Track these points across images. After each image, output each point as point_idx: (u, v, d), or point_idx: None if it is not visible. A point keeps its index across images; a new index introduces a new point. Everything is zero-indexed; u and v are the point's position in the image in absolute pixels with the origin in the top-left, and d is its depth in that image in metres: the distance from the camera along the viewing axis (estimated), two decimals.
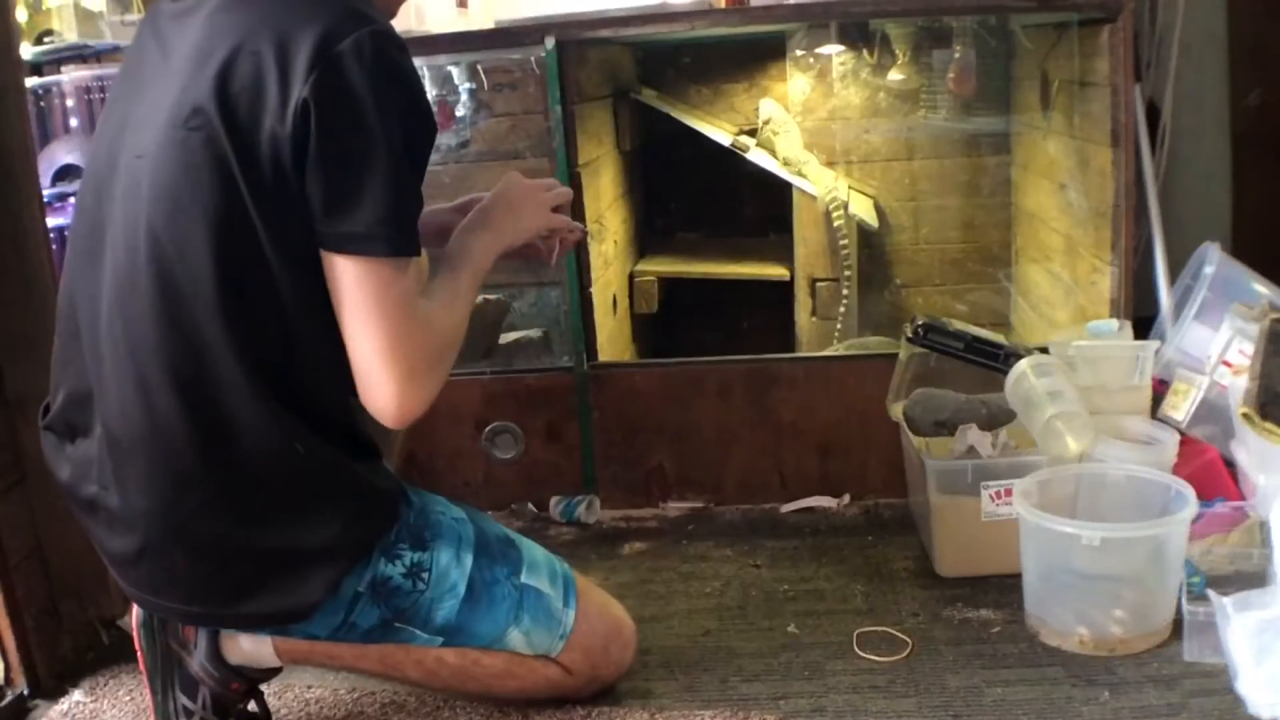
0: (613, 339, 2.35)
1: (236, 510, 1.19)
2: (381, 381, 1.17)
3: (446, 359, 1.25)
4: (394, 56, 1.15)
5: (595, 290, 2.15)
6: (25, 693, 1.57)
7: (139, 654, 1.35)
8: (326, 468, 1.22)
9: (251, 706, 1.40)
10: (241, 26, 1.14)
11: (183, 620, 1.30)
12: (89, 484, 1.24)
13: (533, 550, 1.41)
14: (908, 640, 1.58)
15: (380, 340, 1.16)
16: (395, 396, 1.17)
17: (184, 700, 1.32)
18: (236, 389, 1.16)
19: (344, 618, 1.27)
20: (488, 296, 2.46)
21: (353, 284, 1.16)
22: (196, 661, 1.32)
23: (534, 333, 2.50)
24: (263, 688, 1.42)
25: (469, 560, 1.31)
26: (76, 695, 1.58)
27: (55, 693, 1.58)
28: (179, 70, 1.16)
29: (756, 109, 2.74)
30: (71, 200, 2.00)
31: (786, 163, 2.65)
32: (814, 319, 2.67)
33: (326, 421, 1.22)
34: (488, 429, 2.13)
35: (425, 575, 1.28)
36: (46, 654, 1.59)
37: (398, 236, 1.16)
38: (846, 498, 2.08)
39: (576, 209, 2.06)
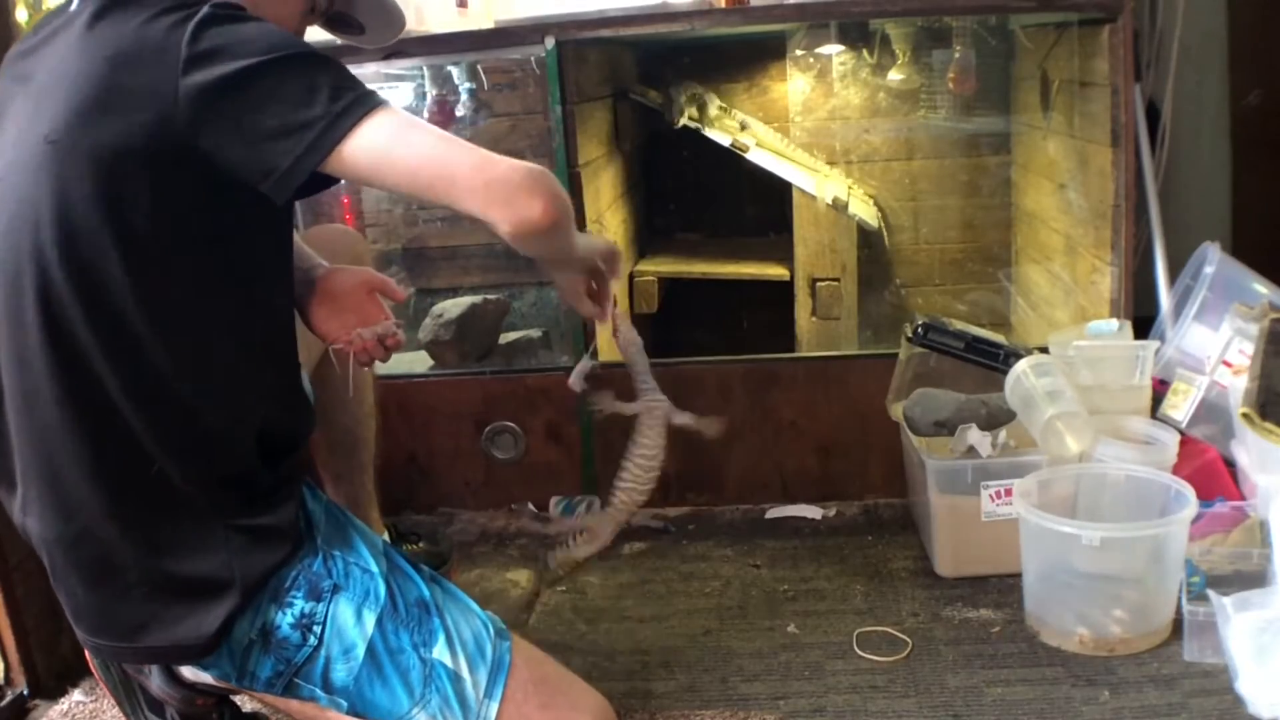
0: (613, 339, 2.35)
1: (123, 537, 1.13)
2: (494, 197, 1.06)
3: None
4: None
5: None
6: (25, 693, 1.57)
7: (100, 682, 1.30)
8: (216, 505, 1.14)
9: (250, 708, 1.39)
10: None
11: (95, 654, 1.24)
12: (16, 510, 1.20)
13: (460, 625, 1.22)
14: (908, 640, 1.58)
15: (448, 162, 1.07)
16: (514, 195, 1.06)
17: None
18: (127, 428, 1.10)
19: (242, 665, 1.18)
20: (488, 296, 2.46)
21: (379, 155, 1.06)
22: (155, 685, 1.25)
23: (534, 333, 2.50)
24: (240, 700, 1.35)
25: (371, 621, 1.18)
26: (76, 695, 1.58)
27: (55, 693, 1.59)
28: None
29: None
30: None
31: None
32: (814, 319, 2.67)
33: (221, 460, 1.15)
34: (488, 429, 2.13)
35: (316, 629, 1.16)
36: (46, 654, 1.59)
37: (364, 90, 1.08)
38: (833, 508, 2.06)
39: (577, 209, 2.06)
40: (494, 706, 1.19)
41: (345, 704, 1.18)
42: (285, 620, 1.16)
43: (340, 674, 1.17)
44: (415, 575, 1.25)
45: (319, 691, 1.18)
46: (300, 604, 1.17)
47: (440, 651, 1.20)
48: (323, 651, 1.17)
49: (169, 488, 1.12)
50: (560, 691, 1.25)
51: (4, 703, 1.55)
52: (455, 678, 1.19)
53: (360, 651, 1.17)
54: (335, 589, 1.19)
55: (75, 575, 1.15)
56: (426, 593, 1.23)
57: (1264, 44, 2.63)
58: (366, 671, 1.17)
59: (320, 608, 1.17)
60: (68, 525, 1.13)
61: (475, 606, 1.27)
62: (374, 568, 1.22)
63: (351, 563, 1.21)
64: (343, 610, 1.18)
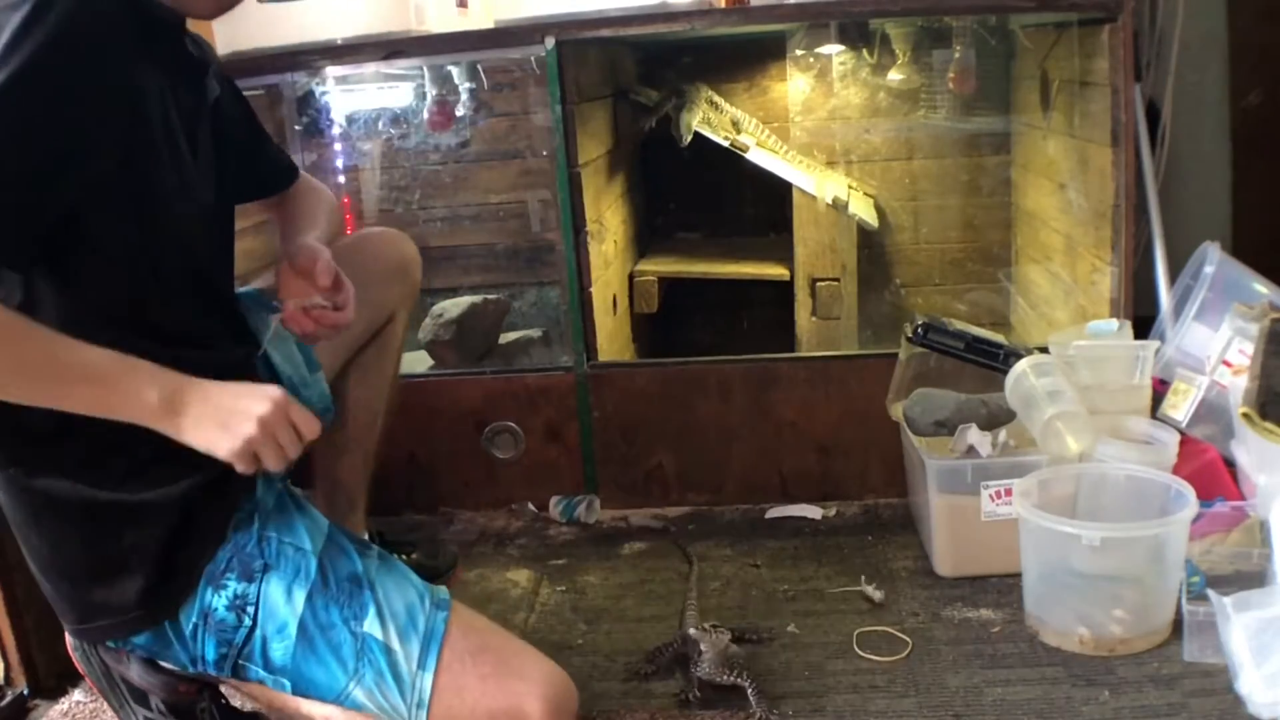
0: (613, 339, 2.35)
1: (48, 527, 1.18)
2: None
3: None
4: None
5: (595, 290, 2.15)
6: (25, 693, 1.57)
7: (85, 677, 1.31)
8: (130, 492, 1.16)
9: (247, 706, 1.39)
10: None
11: (72, 636, 1.26)
12: None
13: (392, 597, 1.21)
14: (908, 640, 1.58)
15: None
16: None
17: (142, 711, 1.28)
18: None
19: (192, 650, 1.20)
20: (488, 296, 2.46)
21: None
22: (135, 674, 1.26)
23: (534, 333, 2.50)
24: (240, 702, 1.35)
25: (301, 598, 1.18)
26: (76, 695, 1.58)
27: (55, 693, 1.59)
28: None
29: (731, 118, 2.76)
30: None
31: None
32: (814, 319, 2.67)
33: (135, 449, 1.14)
34: (488, 429, 2.13)
35: (250, 609, 1.18)
36: (46, 654, 1.59)
37: None
38: (833, 508, 2.06)
39: (577, 208, 2.07)
40: (428, 678, 1.17)
41: (288, 683, 1.19)
42: (221, 602, 1.19)
43: (278, 653, 1.18)
44: (353, 552, 1.25)
45: (262, 672, 1.20)
46: (233, 585, 1.19)
47: (371, 625, 1.19)
48: (258, 631, 1.18)
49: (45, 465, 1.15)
50: (503, 661, 1.21)
51: (4, 703, 1.55)
52: (387, 650, 1.18)
53: (292, 629, 1.18)
54: (266, 568, 1.20)
55: (31, 564, 1.22)
56: (360, 568, 1.23)
57: (1264, 44, 2.63)
58: (301, 649, 1.18)
59: (252, 588, 1.19)
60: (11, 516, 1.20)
61: (415, 579, 1.26)
62: (307, 546, 1.22)
63: (286, 542, 1.22)
64: (273, 589, 1.19)
